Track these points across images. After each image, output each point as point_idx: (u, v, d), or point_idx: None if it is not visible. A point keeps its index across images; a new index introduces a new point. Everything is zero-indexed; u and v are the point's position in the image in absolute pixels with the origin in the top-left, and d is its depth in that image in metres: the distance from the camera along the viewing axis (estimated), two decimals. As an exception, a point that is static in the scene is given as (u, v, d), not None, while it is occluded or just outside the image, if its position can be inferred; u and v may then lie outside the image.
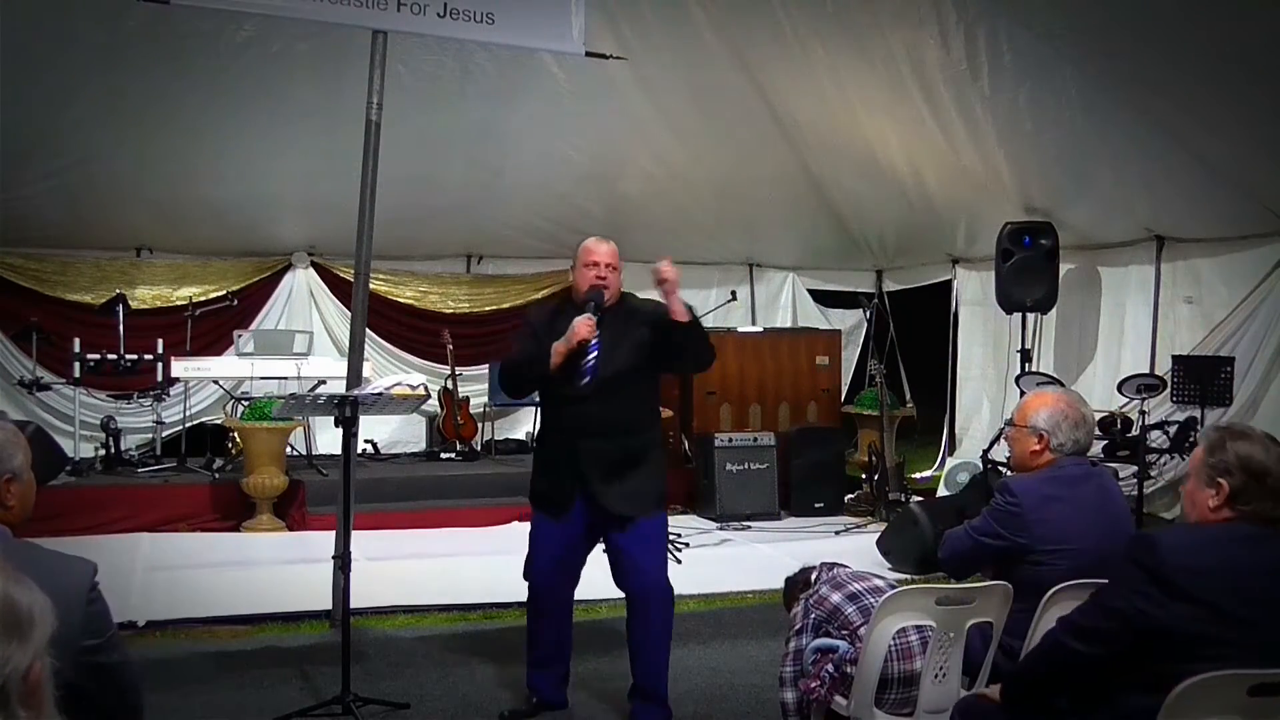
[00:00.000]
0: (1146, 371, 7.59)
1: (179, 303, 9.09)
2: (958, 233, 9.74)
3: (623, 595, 4.19)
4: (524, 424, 10.10)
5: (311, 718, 4.16)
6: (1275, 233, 7.23)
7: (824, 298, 11.34)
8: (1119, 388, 7.32)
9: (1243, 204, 7.16)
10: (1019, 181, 8.24)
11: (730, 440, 8.44)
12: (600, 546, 4.17)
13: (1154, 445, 7.18)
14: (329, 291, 9.71)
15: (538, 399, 4.32)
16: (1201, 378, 7.17)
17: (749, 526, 8.04)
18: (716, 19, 7.71)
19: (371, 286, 7.34)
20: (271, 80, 7.58)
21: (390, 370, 9.33)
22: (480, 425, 9.47)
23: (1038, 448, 3.36)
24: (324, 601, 5.37)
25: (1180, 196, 7.46)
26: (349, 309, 6.35)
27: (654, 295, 4.14)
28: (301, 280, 9.74)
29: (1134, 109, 6.82)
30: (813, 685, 3.26)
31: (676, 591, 4.20)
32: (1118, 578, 2.57)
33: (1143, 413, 7.08)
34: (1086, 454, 3.44)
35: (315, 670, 4.71)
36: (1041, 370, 8.33)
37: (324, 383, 7.87)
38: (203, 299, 9.12)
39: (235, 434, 8.31)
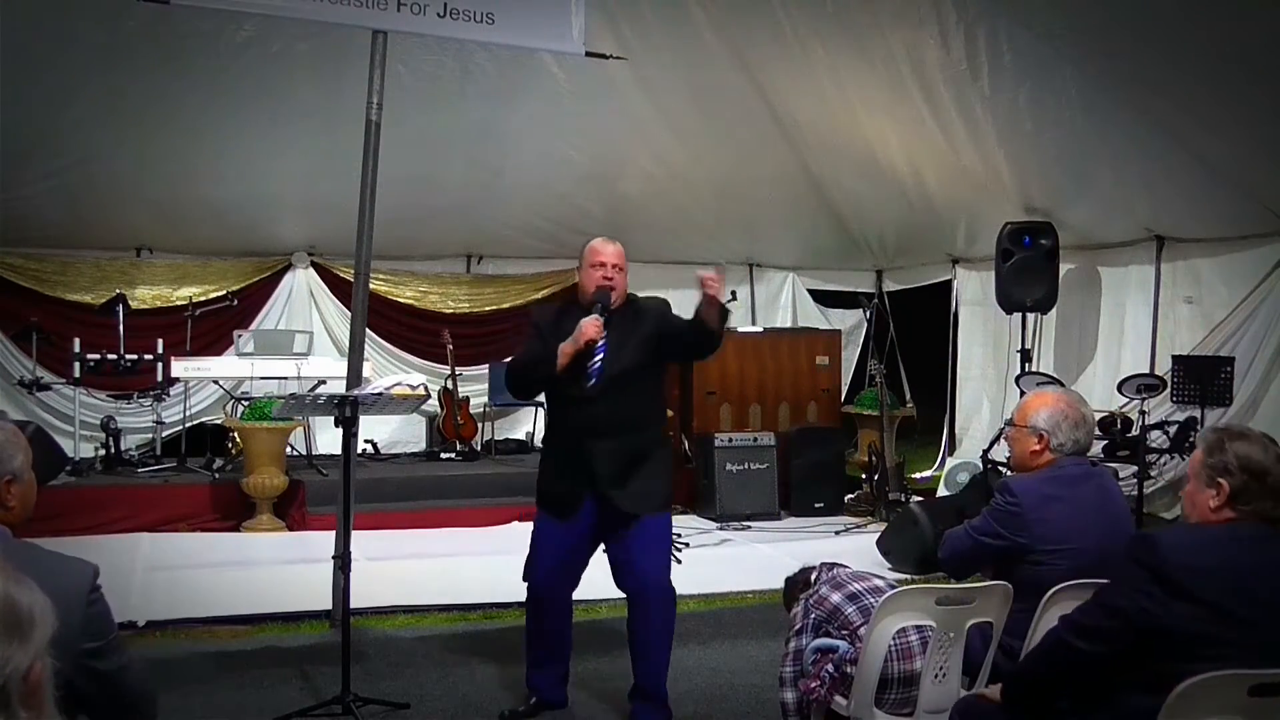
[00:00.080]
0: (1146, 371, 7.59)
1: (179, 303, 9.09)
2: (958, 233, 9.73)
3: (623, 595, 4.18)
4: (524, 424, 10.11)
5: (311, 718, 4.15)
6: (1275, 233, 7.23)
7: (824, 298, 11.34)
8: (1119, 388, 7.33)
9: (1243, 204, 7.16)
10: (1019, 181, 8.23)
11: (730, 440, 8.44)
12: (600, 547, 4.17)
13: (1154, 445, 7.19)
14: (329, 291, 9.72)
15: (542, 400, 4.31)
16: (1201, 378, 7.17)
17: (749, 526, 8.04)
18: (716, 19, 7.71)
19: (371, 286, 7.34)
20: (271, 80, 7.58)
21: (390, 370, 9.34)
22: (480, 425, 9.47)
23: (1038, 448, 3.36)
24: (324, 601, 5.37)
25: (1180, 196, 7.46)
26: (349, 309, 6.35)
27: (654, 295, 4.14)
28: (301, 280, 9.75)
29: (1134, 109, 6.82)
30: (813, 685, 3.26)
31: (677, 591, 4.19)
32: (1119, 577, 2.58)
33: (1143, 413, 7.09)
34: (1086, 454, 3.44)
35: (315, 670, 4.71)
36: (1041, 370, 8.33)
37: (324, 383, 7.88)
38: (203, 299, 9.13)
39: (235, 434, 8.31)
